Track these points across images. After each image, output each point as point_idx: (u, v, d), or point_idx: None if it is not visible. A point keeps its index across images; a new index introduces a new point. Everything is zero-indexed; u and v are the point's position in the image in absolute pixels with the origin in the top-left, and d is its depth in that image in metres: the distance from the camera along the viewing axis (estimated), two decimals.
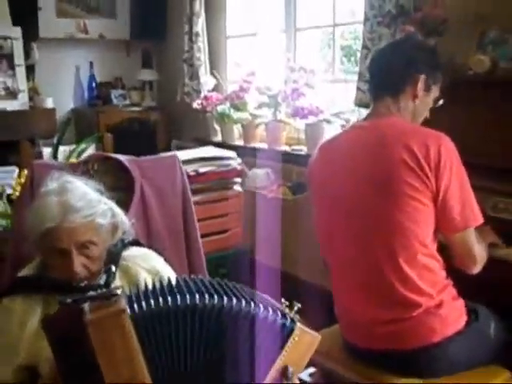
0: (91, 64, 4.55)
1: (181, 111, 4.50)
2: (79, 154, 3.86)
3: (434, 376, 1.67)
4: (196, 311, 1.20)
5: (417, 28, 2.56)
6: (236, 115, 3.81)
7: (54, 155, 3.81)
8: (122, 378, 1.18)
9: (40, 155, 3.76)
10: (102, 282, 1.52)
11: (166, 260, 1.72)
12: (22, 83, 3.87)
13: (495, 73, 2.30)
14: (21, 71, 3.87)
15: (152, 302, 1.20)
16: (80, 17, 4.50)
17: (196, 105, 3.94)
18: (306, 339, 1.28)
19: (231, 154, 3.26)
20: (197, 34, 4.12)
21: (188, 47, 4.19)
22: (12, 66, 3.83)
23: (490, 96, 2.29)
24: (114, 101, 4.56)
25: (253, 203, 3.42)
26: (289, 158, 3.46)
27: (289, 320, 1.27)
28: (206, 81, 4.11)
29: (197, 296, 1.20)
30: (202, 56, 4.15)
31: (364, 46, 2.92)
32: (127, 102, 4.64)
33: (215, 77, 4.14)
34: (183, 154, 3.15)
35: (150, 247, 1.77)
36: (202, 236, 3.12)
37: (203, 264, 2.04)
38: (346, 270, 1.80)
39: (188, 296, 1.20)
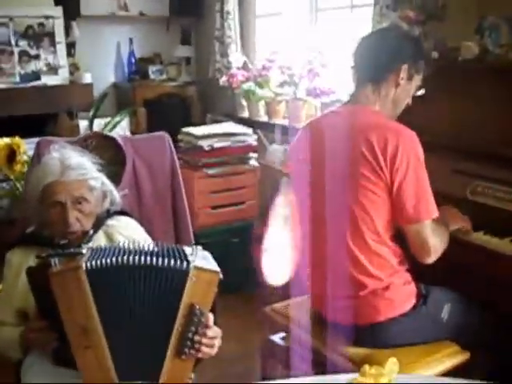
0: (131, 40, 4.78)
1: (214, 87, 4.68)
2: (114, 127, 4.12)
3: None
4: (134, 268, 1.42)
5: (417, 12, 2.63)
6: (260, 92, 3.95)
7: (90, 127, 4.08)
8: (77, 323, 1.43)
9: (77, 127, 4.05)
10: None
11: (147, 231, 1.93)
12: (62, 59, 4.15)
13: (485, 59, 2.35)
14: (61, 48, 4.14)
15: (105, 260, 1.43)
16: None
17: (222, 82, 4.10)
18: (204, 277, 1.44)
19: (247, 130, 3.42)
20: (228, 13, 4.27)
21: (219, 25, 4.35)
22: (53, 44, 4.11)
23: (478, 82, 2.35)
24: (152, 76, 4.78)
25: (270, 178, 3.58)
26: None
27: (185, 263, 1.43)
28: (236, 58, 4.26)
29: (136, 257, 1.43)
30: (233, 34, 4.31)
31: (373, 29, 3.00)
32: (164, 76, 4.85)
33: (244, 54, 4.29)
34: (198, 130, 3.36)
35: (137, 217, 1.99)
36: (218, 207, 3.38)
37: (190, 237, 2.22)
38: (311, 246, 1.95)
39: (132, 256, 1.42)
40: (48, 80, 4.10)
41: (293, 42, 3.85)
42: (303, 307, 2.06)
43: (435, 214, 1.78)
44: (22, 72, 4.05)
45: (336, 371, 1.82)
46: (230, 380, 2.53)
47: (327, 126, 1.91)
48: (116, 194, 1.86)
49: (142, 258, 1.43)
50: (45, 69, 4.11)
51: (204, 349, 1.50)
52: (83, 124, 4.09)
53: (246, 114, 4.26)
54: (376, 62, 1.85)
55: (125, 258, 1.43)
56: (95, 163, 1.81)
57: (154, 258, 1.43)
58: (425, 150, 2.34)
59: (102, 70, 4.75)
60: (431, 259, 1.81)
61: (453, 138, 2.33)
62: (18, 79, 4.02)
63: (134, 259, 1.43)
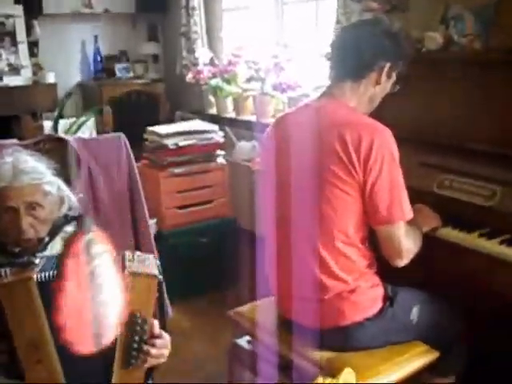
0: (96, 38, 4.68)
1: (182, 84, 4.60)
2: (79, 127, 4.02)
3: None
4: None
5: (381, 3, 2.58)
6: (228, 88, 3.88)
7: (55, 128, 3.97)
8: (28, 336, 1.35)
9: (41, 128, 3.94)
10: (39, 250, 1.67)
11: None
12: (24, 59, 4.05)
13: (450, 49, 2.31)
14: (23, 48, 4.04)
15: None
16: None
17: (189, 78, 4.02)
18: (141, 283, 1.38)
19: (214, 127, 3.35)
20: (193, 8, 4.19)
21: (185, 21, 4.27)
22: (15, 43, 4.00)
23: (443, 73, 2.30)
24: (118, 74, 4.69)
25: (238, 175, 3.52)
26: None
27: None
28: (202, 54, 4.19)
29: None
30: (199, 29, 4.23)
31: (338, 21, 2.95)
32: (131, 74, 4.76)
33: (211, 50, 4.21)
34: (164, 129, 3.29)
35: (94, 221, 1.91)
36: (186, 206, 3.31)
37: (150, 241, 2.15)
38: (277, 245, 1.88)
39: None
40: (10, 81, 4.01)
41: (259, 37, 3.79)
42: (269, 309, 1.99)
43: (410, 215, 1.72)
44: None
45: (301, 376, 1.78)
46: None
47: (297, 120, 1.83)
48: (73, 199, 1.77)
49: None
50: (6, 69, 4.01)
51: (150, 359, 1.43)
52: (48, 125, 3.98)
53: (214, 111, 4.18)
54: (358, 59, 1.76)
55: None
56: (50, 168, 1.73)
57: None
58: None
59: (67, 69, 4.65)
60: (403, 262, 1.74)
61: (419, 130, 2.29)
62: None
63: None
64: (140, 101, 4.68)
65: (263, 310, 2.01)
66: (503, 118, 2.11)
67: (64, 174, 1.84)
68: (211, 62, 4.22)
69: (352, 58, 1.76)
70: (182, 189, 3.28)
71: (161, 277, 1.43)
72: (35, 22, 4.20)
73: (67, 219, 1.76)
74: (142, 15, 4.85)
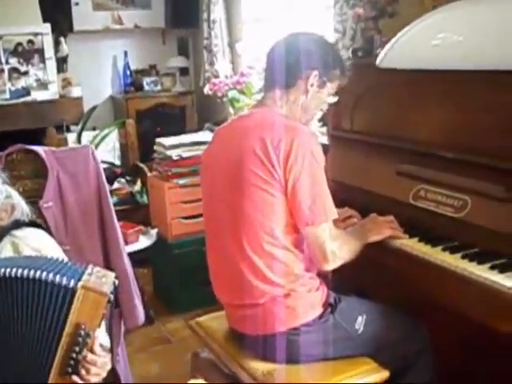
0: (125, 53, 4.82)
1: (208, 96, 4.65)
2: (102, 139, 4.16)
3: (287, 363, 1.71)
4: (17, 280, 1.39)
5: (367, 9, 2.53)
6: (243, 99, 3.89)
7: (78, 140, 4.13)
8: None
9: (65, 141, 4.09)
10: None
11: (74, 244, 1.90)
12: (52, 75, 4.21)
13: None
14: (51, 64, 4.21)
15: None
16: (115, 9, 4.78)
17: (206, 91, 4.07)
18: (90, 298, 1.39)
19: None
20: (213, 21, 4.24)
21: (207, 34, 4.32)
22: (43, 60, 4.18)
23: (425, 80, 2.22)
24: (146, 87, 4.80)
25: None
26: None
27: (73, 282, 1.39)
28: (222, 66, 4.23)
29: (25, 270, 1.39)
30: (219, 42, 4.27)
31: (335, 30, 2.91)
32: (159, 87, 4.87)
33: (232, 62, 4.25)
34: (170, 140, 3.33)
35: (63, 230, 1.97)
36: (187, 218, 3.34)
37: (120, 251, 2.18)
38: (214, 254, 1.89)
39: (21, 269, 1.39)
40: (38, 95, 4.18)
41: None
42: (221, 317, 1.98)
43: (333, 216, 1.70)
44: (13, 88, 4.12)
45: None
46: None
47: (227, 129, 1.87)
48: (24, 206, 1.83)
49: (28, 272, 1.39)
50: (35, 84, 4.18)
51: (83, 372, 1.43)
52: (72, 137, 4.14)
53: None
54: (284, 67, 1.78)
55: (13, 270, 1.40)
56: (1, 177, 1.80)
57: (44, 273, 1.39)
58: (369, 150, 2.27)
59: (98, 84, 4.81)
60: (330, 266, 1.70)
61: (398, 138, 2.22)
62: (8, 96, 4.10)
63: (20, 271, 1.39)
64: (166, 113, 4.78)
65: (219, 319, 1.99)
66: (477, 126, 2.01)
67: (35, 182, 1.92)
68: (231, 74, 4.25)
69: (279, 66, 1.77)
70: (187, 199, 3.31)
71: (112, 297, 1.43)
72: (62, 39, 4.37)
73: (18, 224, 1.82)
74: (171, 30, 4.94)
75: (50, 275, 1.38)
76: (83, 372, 1.43)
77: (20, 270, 1.38)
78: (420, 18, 2.14)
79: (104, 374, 1.49)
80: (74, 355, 1.41)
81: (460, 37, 1.97)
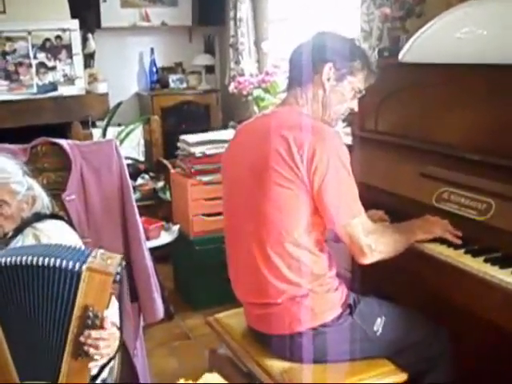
0: (152, 50, 4.84)
1: (233, 94, 4.65)
2: (127, 135, 4.19)
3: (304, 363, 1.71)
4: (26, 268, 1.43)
5: (394, 9, 2.50)
6: (268, 98, 3.89)
7: (104, 135, 4.16)
8: None
9: (90, 136, 4.13)
10: None
11: (95, 237, 1.92)
12: (79, 70, 4.25)
13: None
14: (78, 59, 4.24)
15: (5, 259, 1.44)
16: (143, 6, 4.81)
17: (231, 89, 4.07)
18: (96, 279, 1.42)
19: None
20: (240, 20, 4.24)
21: (233, 32, 4.32)
22: (70, 55, 4.22)
23: (440, 80, 2.18)
24: (172, 84, 4.82)
25: None
26: None
27: (78, 265, 1.41)
28: (248, 65, 4.23)
29: (29, 257, 1.43)
30: (246, 40, 4.27)
31: (361, 29, 2.89)
32: (184, 85, 4.88)
33: (258, 61, 4.24)
34: (194, 137, 3.34)
35: (84, 223, 1.99)
36: (209, 215, 3.34)
37: (141, 245, 2.19)
38: (233, 252, 1.88)
39: (26, 257, 1.43)
40: (65, 90, 4.21)
41: None
42: (240, 315, 1.98)
43: (360, 213, 1.68)
44: (40, 83, 4.17)
45: None
46: None
47: (250, 128, 1.86)
48: (46, 198, 1.86)
49: (33, 259, 1.43)
50: (62, 80, 4.22)
51: (92, 350, 1.46)
52: (97, 132, 4.17)
53: None
54: (300, 64, 1.78)
55: (18, 258, 1.43)
56: (22, 168, 1.82)
57: (47, 259, 1.42)
58: (393, 151, 2.25)
59: (125, 80, 4.84)
60: (368, 259, 1.69)
61: (423, 139, 2.19)
62: (35, 90, 4.14)
63: (26, 259, 1.42)
64: (191, 111, 4.79)
65: (238, 316, 1.99)
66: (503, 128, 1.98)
67: (58, 175, 1.95)
68: (256, 73, 4.25)
69: (297, 64, 1.79)
70: (210, 196, 3.32)
71: (118, 276, 1.46)
72: (90, 36, 4.41)
73: (40, 216, 1.84)
74: (198, 28, 4.96)
75: (58, 261, 1.41)
76: (92, 350, 1.45)
77: (30, 258, 1.42)
78: (443, 13, 2.11)
79: (115, 344, 1.51)
80: (84, 339, 1.44)
81: (485, 31, 1.94)
